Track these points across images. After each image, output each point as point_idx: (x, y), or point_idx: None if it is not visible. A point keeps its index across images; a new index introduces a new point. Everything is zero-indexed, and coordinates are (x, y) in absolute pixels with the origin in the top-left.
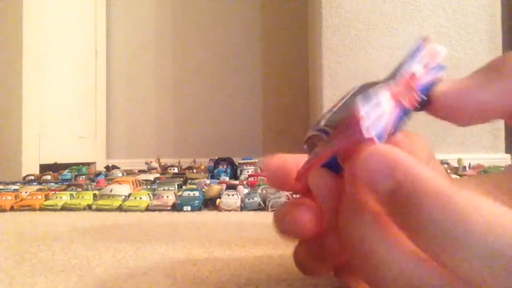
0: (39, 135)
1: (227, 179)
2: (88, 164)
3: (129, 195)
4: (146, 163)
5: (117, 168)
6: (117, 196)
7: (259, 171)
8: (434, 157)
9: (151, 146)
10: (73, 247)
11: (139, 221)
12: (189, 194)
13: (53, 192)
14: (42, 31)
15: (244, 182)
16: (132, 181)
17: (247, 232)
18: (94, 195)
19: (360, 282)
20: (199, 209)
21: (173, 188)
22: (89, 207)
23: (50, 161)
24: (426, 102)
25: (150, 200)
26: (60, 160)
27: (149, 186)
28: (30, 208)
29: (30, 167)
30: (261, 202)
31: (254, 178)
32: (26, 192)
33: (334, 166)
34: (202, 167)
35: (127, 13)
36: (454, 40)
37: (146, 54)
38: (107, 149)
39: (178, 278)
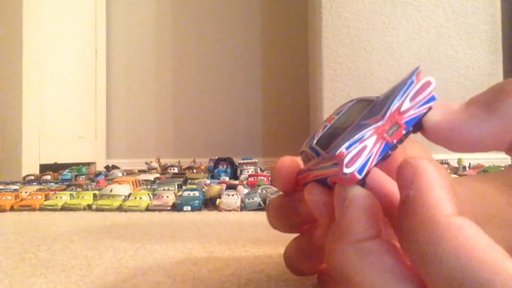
0: (39, 135)
1: (227, 179)
2: (88, 164)
3: (129, 195)
4: (146, 163)
5: (117, 168)
6: (117, 196)
7: (259, 171)
8: (432, 159)
9: (151, 146)
10: (73, 247)
11: (139, 221)
12: (189, 194)
13: (53, 192)
14: (42, 31)
15: (244, 182)
16: (132, 181)
17: (247, 232)
18: (94, 195)
19: None
20: (199, 209)
21: (173, 188)
22: (89, 207)
23: (50, 161)
24: (417, 129)
25: (150, 200)
26: (60, 160)
27: (149, 186)
28: (30, 208)
29: (30, 167)
30: (261, 202)
31: (254, 178)
32: (26, 192)
33: (326, 183)
34: (202, 167)
35: (127, 13)
36: (454, 40)
37: (146, 54)
38: (107, 149)
39: (178, 278)
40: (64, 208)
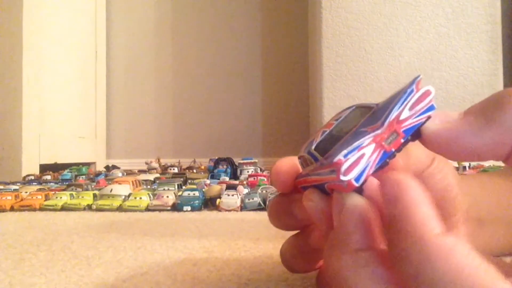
0: (39, 135)
1: (227, 179)
2: (88, 164)
3: (129, 195)
4: (146, 163)
5: (117, 168)
6: (117, 196)
7: (259, 171)
8: (437, 156)
9: (151, 146)
10: (73, 247)
11: (139, 221)
12: (189, 194)
13: (53, 192)
14: (42, 31)
15: (244, 182)
16: (132, 181)
17: (247, 232)
18: (94, 195)
19: None
20: (199, 209)
21: (173, 188)
22: (89, 207)
23: (50, 161)
24: (415, 138)
25: (150, 200)
26: (60, 160)
27: (149, 186)
28: (30, 208)
29: (30, 167)
30: (261, 202)
31: (254, 178)
32: (26, 192)
33: (324, 189)
34: (202, 167)
35: (127, 13)
36: (454, 40)
37: (146, 54)
38: (107, 149)
39: (178, 278)
40: (64, 208)
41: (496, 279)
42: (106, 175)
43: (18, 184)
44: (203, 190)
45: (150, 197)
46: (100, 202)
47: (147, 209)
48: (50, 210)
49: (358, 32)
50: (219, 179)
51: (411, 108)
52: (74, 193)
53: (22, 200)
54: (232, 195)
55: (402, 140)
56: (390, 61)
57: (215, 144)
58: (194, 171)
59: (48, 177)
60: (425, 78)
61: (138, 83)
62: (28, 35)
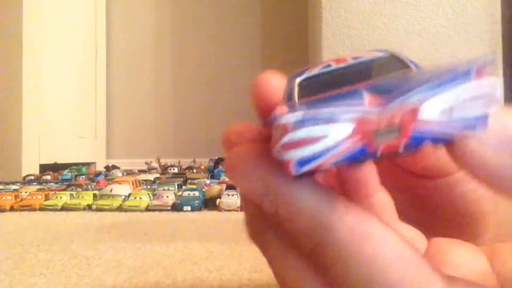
0: (39, 135)
1: (227, 179)
2: (88, 164)
3: (129, 195)
4: (146, 163)
5: (117, 168)
6: (117, 196)
7: None
8: None
9: (151, 146)
10: (73, 247)
11: (139, 221)
12: (189, 194)
13: (53, 192)
14: (42, 31)
15: None
16: (132, 181)
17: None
18: (94, 195)
19: None
20: (199, 209)
21: (173, 188)
22: (89, 207)
23: (50, 161)
24: (415, 151)
25: (150, 200)
26: (60, 160)
27: (149, 186)
28: (30, 208)
29: (30, 167)
30: None
31: None
32: (26, 192)
33: None
34: (202, 167)
35: (127, 13)
36: (454, 40)
37: (146, 54)
38: (107, 149)
39: (178, 278)
40: (64, 208)
41: (431, 273)
42: (106, 175)
43: (18, 184)
44: (203, 190)
45: (150, 197)
46: (100, 202)
47: (147, 209)
48: (50, 210)
49: (358, 32)
50: (219, 179)
51: (448, 110)
52: (74, 193)
53: (22, 200)
54: (232, 195)
55: (401, 148)
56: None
57: (215, 144)
58: (194, 171)
59: (48, 177)
60: None
61: (138, 83)
62: (28, 35)
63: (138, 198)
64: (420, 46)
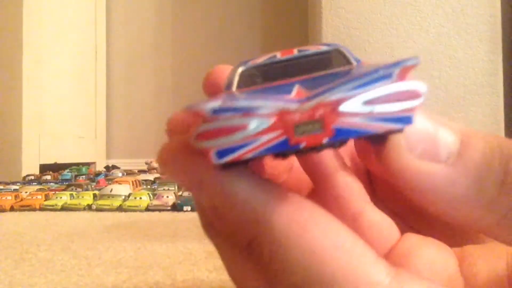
0: (39, 135)
1: None
2: (88, 164)
3: (129, 195)
4: (146, 163)
5: (117, 168)
6: (117, 196)
7: None
8: None
9: (151, 146)
10: (73, 247)
11: (139, 221)
12: (189, 194)
13: (53, 192)
14: (42, 31)
15: None
16: (132, 181)
17: None
18: (94, 195)
19: None
20: None
21: (173, 188)
22: (89, 207)
23: (50, 161)
24: (342, 143)
25: (150, 200)
26: (60, 160)
27: (149, 186)
28: (30, 208)
29: (30, 167)
30: None
31: None
32: (26, 192)
33: None
34: None
35: (127, 13)
36: (454, 40)
37: (146, 54)
38: (107, 149)
39: (178, 278)
40: (64, 208)
41: (374, 263)
42: (106, 175)
43: (18, 184)
44: None
45: (150, 197)
46: (100, 202)
47: (147, 209)
48: (50, 210)
49: (358, 32)
50: None
51: (370, 103)
52: (74, 193)
53: (22, 200)
54: None
55: (325, 142)
56: (390, 61)
57: None
58: None
59: (48, 177)
60: (425, 78)
61: (138, 83)
62: (28, 34)
63: (138, 198)
64: (420, 46)
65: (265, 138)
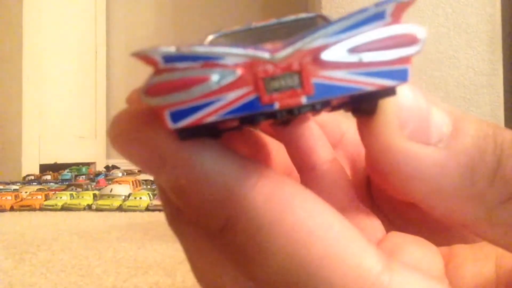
0: (39, 135)
1: None
2: (88, 164)
3: (129, 195)
4: None
5: (117, 168)
6: (117, 196)
7: None
8: (349, 131)
9: None
10: (73, 247)
11: (139, 221)
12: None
13: (53, 192)
14: (42, 31)
15: None
16: (132, 181)
17: None
18: (94, 195)
19: None
20: None
21: None
22: (89, 207)
23: (50, 161)
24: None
25: (150, 200)
26: (60, 160)
27: (149, 186)
28: (30, 208)
29: (30, 167)
30: None
31: None
32: (26, 192)
33: None
34: None
35: (127, 13)
36: (454, 40)
37: None
38: (107, 149)
39: (178, 278)
40: (64, 208)
41: (365, 248)
42: (106, 175)
43: (18, 184)
44: None
45: (150, 197)
46: (100, 202)
47: (147, 209)
48: (50, 210)
49: None
50: None
51: (357, 50)
52: (74, 193)
53: (22, 200)
54: None
55: (303, 101)
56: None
57: None
58: None
59: (48, 177)
60: (425, 78)
61: (138, 83)
62: (28, 35)
63: (138, 198)
64: None
65: (230, 96)
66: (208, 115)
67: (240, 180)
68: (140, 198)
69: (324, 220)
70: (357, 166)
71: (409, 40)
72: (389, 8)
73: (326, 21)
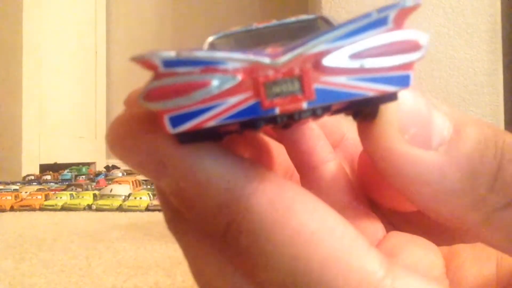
0: (39, 135)
1: None
2: (88, 164)
3: (129, 195)
4: None
5: (117, 168)
6: (117, 196)
7: None
8: (350, 132)
9: None
10: (73, 247)
11: (139, 221)
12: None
13: (53, 192)
14: (42, 31)
15: None
16: (132, 181)
17: None
18: (94, 195)
19: None
20: None
21: None
22: (89, 207)
23: (50, 161)
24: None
25: (150, 200)
26: (60, 160)
27: (149, 186)
28: (30, 208)
29: (30, 167)
30: None
31: None
32: (26, 192)
33: None
34: None
35: (127, 13)
36: (454, 40)
37: None
38: (107, 149)
39: (178, 278)
40: (64, 208)
41: (367, 252)
42: (106, 175)
43: (18, 184)
44: None
45: (150, 197)
46: (100, 202)
47: (147, 209)
48: (50, 210)
49: None
50: None
51: (359, 56)
52: (74, 193)
53: (22, 200)
54: None
55: (304, 106)
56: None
57: None
58: None
59: (48, 177)
60: (425, 78)
61: (138, 83)
62: (28, 35)
63: (138, 198)
64: None
65: (230, 101)
66: (208, 120)
67: (242, 183)
68: (140, 198)
69: (327, 223)
70: (356, 170)
71: (412, 46)
72: (392, 14)
73: (327, 23)
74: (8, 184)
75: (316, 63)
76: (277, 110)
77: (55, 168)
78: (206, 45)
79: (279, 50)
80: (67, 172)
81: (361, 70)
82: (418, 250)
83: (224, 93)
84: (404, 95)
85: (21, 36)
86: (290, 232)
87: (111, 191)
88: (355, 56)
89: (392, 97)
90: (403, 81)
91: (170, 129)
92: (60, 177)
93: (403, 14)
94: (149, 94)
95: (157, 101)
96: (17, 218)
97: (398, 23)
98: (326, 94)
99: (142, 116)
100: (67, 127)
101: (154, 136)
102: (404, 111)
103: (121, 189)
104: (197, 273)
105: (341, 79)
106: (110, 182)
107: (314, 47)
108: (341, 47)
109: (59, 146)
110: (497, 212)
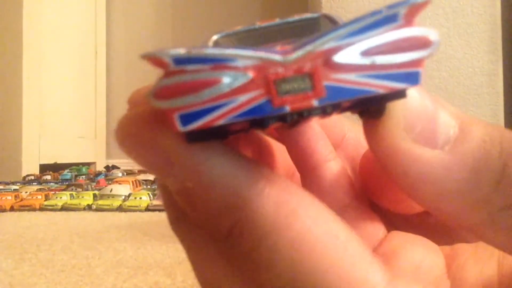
0: (39, 135)
1: None
2: (88, 164)
3: (129, 195)
4: None
5: (117, 168)
6: (117, 196)
7: None
8: (351, 132)
9: None
10: (73, 247)
11: (139, 221)
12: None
13: (53, 192)
14: (42, 31)
15: None
16: (132, 181)
17: None
18: (94, 195)
19: None
20: None
21: None
22: (89, 207)
23: (50, 161)
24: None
25: (150, 200)
26: (60, 160)
27: (149, 186)
28: (30, 208)
29: (30, 167)
30: None
31: None
32: (26, 192)
33: None
34: None
35: (127, 13)
36: (454, 40)
37: None
38: (107, 149)
39: (178, 278)
40: (64, 208)
41: (370, 262)
42: (106, 175)
43: (18, 184)
44: None
45: (150, 197)
46: (100, 202)
47: (147, 209)
48: (50, 210)
49: None
50: None
51: (370, 53)
52: (74, 193)
53: (22, 200)
54: None
55: (314, 104)
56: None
57: None
58: None
59: (48, 177)
60: (425, 78)
61: (138, 83)
62: (28, 35)
63: (138, 198)
64: None
65: (241, 98)
66: (218, 118)
67: (248, 185)
68: (140, 198)
69: (331, 229)
70: (357, 170)
71: (422, 43)
72: (402, 11)
73: (331, 21)
74: (8, 184)
75: (327, 60)
76: (288, 108)
77: (55, 168)
78: (210, 44)
79: (289, 47)
80: (67, 172)
81: (372, 66)
82: (419, 250)
83: (234, 90)
84: (411, 93)
85: (21, 36)
86: (294, 236)
87: (111, 191)
88: (366, 52)
89: (401, 94)
90: (413, 78)
91: (180, 127)
92: (60, 177)
93: (414, 11)
94: (159, 92)
95: (168, 99)
96: (17, 218)
97: (409, 20)
98: (337, 91)
99: (150, 114)
100: (67, 127)
101: (162, 134)
102: (410, 109)
103: (121, 189)
104: (200, 274)
105: (351, 76)
106: (110, 182)
107: (325, 43)
108: (352, 44)
109: (59, 146)
110: (502, 212)
